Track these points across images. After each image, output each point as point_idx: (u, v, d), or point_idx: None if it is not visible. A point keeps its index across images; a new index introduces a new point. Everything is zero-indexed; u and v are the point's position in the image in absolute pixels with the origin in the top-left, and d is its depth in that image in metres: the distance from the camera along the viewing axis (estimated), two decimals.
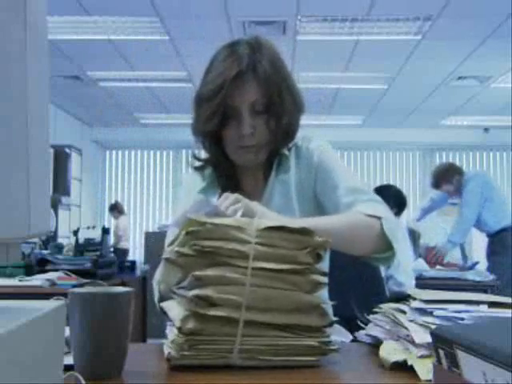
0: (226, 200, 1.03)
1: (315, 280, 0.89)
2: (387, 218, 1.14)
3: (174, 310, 0.90)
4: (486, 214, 4.35)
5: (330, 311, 1.06)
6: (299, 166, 1.31)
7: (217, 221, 0.86)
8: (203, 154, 1.37)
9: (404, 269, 2.80)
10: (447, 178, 4.53)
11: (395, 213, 3.22)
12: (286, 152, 1.31)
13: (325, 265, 1.25)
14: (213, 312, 0.83)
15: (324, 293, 1.22)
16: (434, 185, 4.68)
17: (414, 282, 2.86)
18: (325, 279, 0.90)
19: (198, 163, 1.37)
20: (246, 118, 1.22)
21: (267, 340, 0.86)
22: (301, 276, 0.87)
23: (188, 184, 1.39)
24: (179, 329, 0.83)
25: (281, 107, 1.23)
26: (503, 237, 4.33)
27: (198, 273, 0.84)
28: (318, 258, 0.90)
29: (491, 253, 4.43)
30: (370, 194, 1.23)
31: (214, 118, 1.22)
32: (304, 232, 0.88)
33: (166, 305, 0.95)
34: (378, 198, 1.22)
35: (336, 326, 0.92)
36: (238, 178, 1.33)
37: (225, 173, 1.32)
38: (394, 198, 3.29)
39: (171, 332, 0.88)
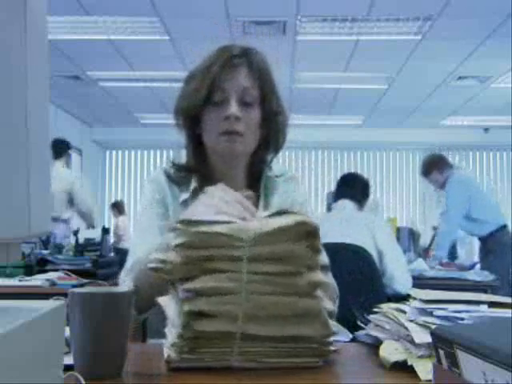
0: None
1: (313, 280, 0.84)
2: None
3: (171, 308, 0.89)
4: (477, 216, 4.32)
5: None
6: (286, 198, 1.27)
7: (206, 229, 0.82)
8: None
9: (399, 279, 2.73)
10: (439, 166, 4.39)
11: (359, 200, 3.11)
12: (270, 174, 1.26)
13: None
14: (208, 328, 0.82)
15: None
16: (424, 172, 4.51)
17: (411, 286, 2.82)
18: (322, 278, 0.85)
19: (178, 173, 1.30)
20: (233, 103, 1.15)
21: (267, 346, 0.85)
22: (298, 277, 0.83)
23: (156, 191, 1.31)
24: (180, 336, 0.82)
25: (270, 105, 1.18)
26: (497, 236, 4.34)
27: (187, 286, 0.81)
28: (317, 250, 0.85)
29: (486, 253, 4.42)
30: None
31: (199, 92, 1.15)
32: (298, 224, 0.82)
33: (162, 301, 0.94)
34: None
35: (335, 324, 0.92)
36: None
37: (202, 171, 1.25)
38: (361, 186, 3.18)
39: (170, 333, 0.87)
